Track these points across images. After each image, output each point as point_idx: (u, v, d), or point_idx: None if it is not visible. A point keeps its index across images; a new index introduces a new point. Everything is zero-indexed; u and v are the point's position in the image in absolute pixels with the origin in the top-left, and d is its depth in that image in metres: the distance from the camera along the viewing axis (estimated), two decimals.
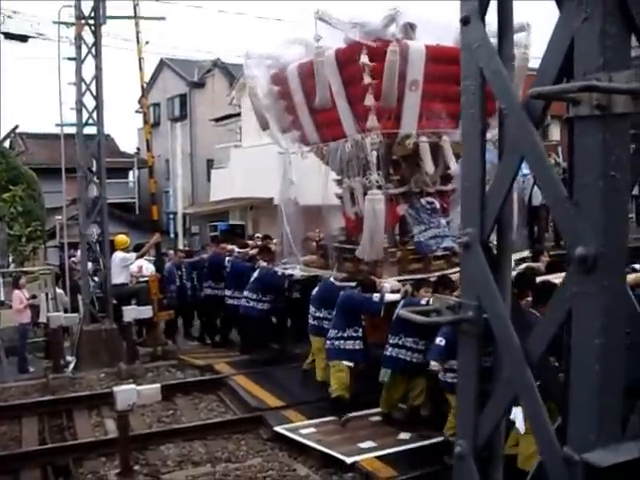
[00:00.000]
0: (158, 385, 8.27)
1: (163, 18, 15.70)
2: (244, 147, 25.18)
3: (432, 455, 7.40)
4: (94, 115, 13.09)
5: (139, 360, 11.94)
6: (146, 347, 12.96)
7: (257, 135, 12.71)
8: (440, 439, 7.56)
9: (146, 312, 12.20)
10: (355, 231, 10.08)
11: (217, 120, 30.17)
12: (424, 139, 9.53)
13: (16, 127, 26.60)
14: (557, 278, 7.73)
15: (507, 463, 3.22)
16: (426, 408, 8.46)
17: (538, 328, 2.61)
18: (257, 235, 16.09)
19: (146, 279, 13.39)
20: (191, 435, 8.71)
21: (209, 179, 30.11)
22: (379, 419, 8.71)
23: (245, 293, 11.55)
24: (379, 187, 9.26)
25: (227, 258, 13.09)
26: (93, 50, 13.03)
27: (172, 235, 31.45)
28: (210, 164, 31.20)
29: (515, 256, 9.21)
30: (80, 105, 13.07)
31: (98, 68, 13.02)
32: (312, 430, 8.46)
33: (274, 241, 12.75)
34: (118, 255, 13.36)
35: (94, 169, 13.66)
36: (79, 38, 12.99)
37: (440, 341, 7.23)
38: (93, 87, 13.06)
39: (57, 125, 14.25)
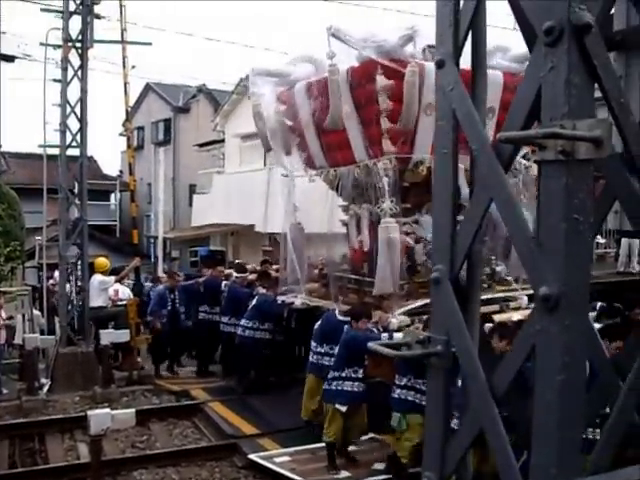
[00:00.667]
0: (133, 410, 8.25)
1: (149, 43, 15.91)
2: (227, 173, 25.29)
3: None
4: (77, 137, 13.19)
5: (115, 384, 11.83)
6: (122, 371, 12.83)
7: (239, 162, 12.68)
8: (417, 469, 7.46)
9: (123, 336, 12.14)
10: (360, 261, 9.74)
11: (201, 145, 30.27)
12: None
13: None
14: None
15: None
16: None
17: (503, 363, 2.68)
18: (237, 261, 15.90)
19: (124, 303, 13.31)
20: (165, 461, 8.65)
21: (191, 204, 30.07)
22: (354, 448, 8.68)
23: (242, 322, 11.10)
24: (392, 215, 8.71)
25: (224, 282, 12.78)
26: (79, 73, 13.16)
27: (152, 259, 31.31)
28: (192, 189, 31.28)
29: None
30: (64, 127, 13.16)
31: (83, 91, 13.14)
32: (286, 459, 8.43)
33: (274, 267, 12.45)
34: (97, 278, 13.28)
35: (76, 191, 13.65)
36: (65, 60, 13.10)
37: None
38: (78, 109, 13.17)
39: (40, 146, 14.31)
